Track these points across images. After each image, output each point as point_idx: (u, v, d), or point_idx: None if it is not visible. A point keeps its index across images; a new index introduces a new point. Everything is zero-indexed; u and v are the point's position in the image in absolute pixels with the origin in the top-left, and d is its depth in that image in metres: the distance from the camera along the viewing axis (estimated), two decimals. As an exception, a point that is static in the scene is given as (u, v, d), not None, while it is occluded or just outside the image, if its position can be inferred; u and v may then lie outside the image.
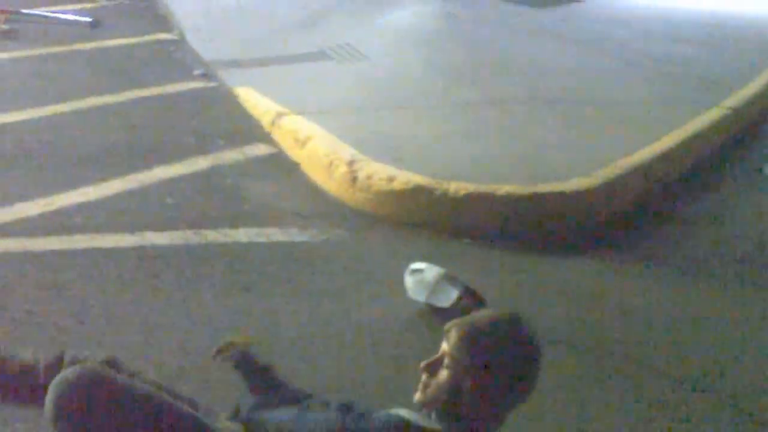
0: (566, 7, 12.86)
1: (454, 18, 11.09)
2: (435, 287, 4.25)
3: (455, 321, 2.69)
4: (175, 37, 8.65)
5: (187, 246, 4.69)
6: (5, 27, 8.26)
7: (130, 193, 5.22)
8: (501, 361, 2.61)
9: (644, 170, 5.87)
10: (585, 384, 3.89)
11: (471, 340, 2.61)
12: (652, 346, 4.20)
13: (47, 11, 8.77)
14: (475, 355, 2.59)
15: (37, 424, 2.91)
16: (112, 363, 2.90)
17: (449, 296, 4.21)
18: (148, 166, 5.57)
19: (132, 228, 4.79)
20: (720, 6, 14.10)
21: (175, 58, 8.03)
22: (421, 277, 4.30)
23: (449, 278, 4.28)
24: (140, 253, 4.55)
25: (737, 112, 7.59)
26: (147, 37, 8.63)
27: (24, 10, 8.65)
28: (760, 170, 6.79)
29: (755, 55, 10.27)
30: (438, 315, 4.09)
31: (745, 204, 6.21)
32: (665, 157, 6.16)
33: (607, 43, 10.22)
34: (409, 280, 4.32)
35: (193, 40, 8.34)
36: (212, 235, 4.81)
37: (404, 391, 2.77)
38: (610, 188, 5.46)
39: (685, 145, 6.48)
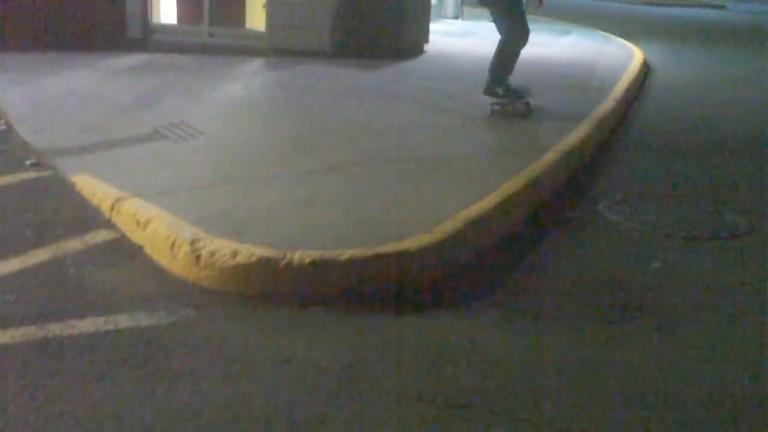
0: (393, 66, 13.17)
1: (286, 86, 11.23)
2: None
3: None
4: (3, 127, 8.49)
5: (31, 342, 4.53)
6: None
7: (-35, 294, 5.05)
8: None
9: (485, 221, 5.97)
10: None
11: None
12: (510, 394, 4.22)
13: None
14: None
15: None
16: None
17: None
18: (-17, 264, 5.41)
19: (-31, 329, 4.63)
20: (537, 53, 14.64)
21: (3, 149, 7.86)
22: None
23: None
24: (-20, 354, 4.40)
25: (569, 156, 7.86)
26: (-30, 131, 8.46)
27: None
28: (597, 209, 7.02)
29: (579, 99, 10.73)
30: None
31: (586, 243, 6.39)
32: (505, 205, 6.30)
33: (439, 99, 10.48)
34: None
35: (23, 130, 8.17)
36: (58, 328, 4.67)
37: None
38: (452, 242, 5.52)
39: (523, 192, 6.66)
